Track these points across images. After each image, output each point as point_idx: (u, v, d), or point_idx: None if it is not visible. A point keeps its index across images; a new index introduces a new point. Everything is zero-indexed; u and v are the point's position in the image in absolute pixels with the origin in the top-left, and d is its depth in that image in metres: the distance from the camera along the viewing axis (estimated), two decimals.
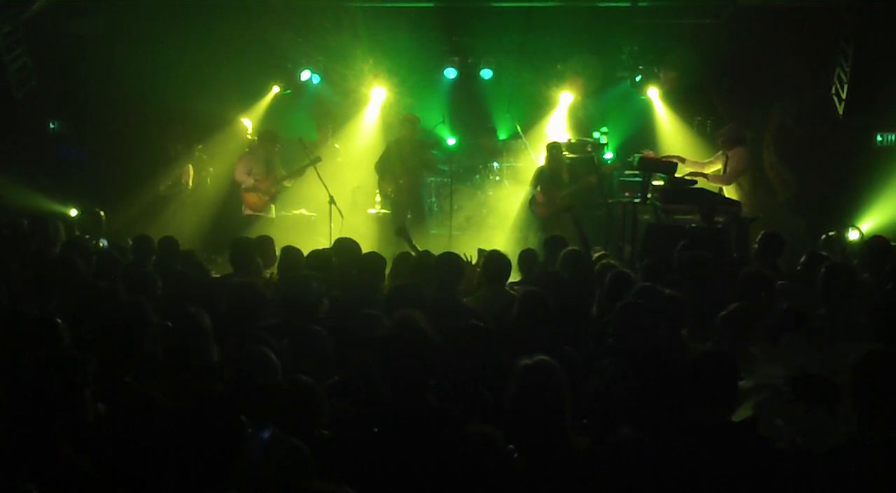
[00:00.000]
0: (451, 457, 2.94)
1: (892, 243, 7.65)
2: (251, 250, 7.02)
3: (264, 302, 5.24)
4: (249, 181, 11.45)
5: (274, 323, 5.15)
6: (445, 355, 3.82)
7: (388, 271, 6.86)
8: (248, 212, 11.50)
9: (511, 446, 3.02)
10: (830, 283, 5.62)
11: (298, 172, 11.45)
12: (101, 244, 8.53)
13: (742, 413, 3.60)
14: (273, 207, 11.71)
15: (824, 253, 7.35)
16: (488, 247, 7.47)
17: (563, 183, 11.36)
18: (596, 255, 7.92)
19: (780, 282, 6.25)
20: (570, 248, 7.14)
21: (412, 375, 3.58)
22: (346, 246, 7.35)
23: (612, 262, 7.16)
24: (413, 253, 7.52)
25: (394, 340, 3.65)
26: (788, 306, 5.04)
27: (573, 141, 12.15)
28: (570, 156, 11.81)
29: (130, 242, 7.86)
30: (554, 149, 11.50)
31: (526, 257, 7.20)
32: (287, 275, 6.43)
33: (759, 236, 7.54)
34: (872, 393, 3.36)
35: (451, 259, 6.25)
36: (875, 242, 7.56)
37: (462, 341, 4.34)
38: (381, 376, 3.66)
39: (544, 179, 11.43)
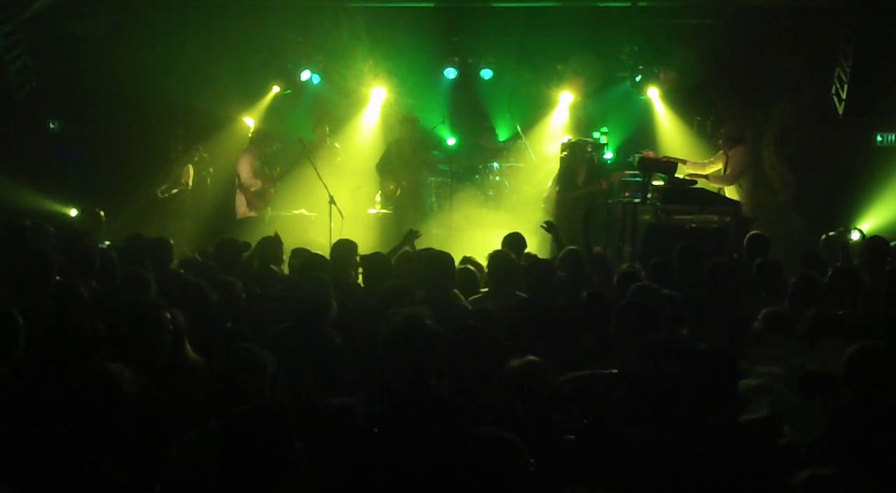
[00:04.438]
0: (463, 459, 2.87)
1: (892, 243, 7.64)
2: (238, 250, 7.03)
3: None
4: (258, 184, 11.47)
5: (288, 327, 5.13)
6: (450, 352, 3.78)
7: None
8: (250, 213, 11.49)
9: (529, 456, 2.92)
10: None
11: (289, 170, 11.52)
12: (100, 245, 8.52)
13: (753, 414, 3.60)
14: (269, 207, 11.73)
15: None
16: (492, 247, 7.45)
17: (576, 185, 11.35)
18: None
19: None
20: (569, 247, 7.13)
21: (417, 368, 3.54)
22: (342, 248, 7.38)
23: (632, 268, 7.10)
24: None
25: (399, 334, 3.61)
26: (817, 310, 5.03)
27: (573, 141, 12.15)
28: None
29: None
30: (574, 147, 11.48)
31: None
32: (297, 277, 6.39)
33: (748, 238, 7.58)
34: (867, 385, 3.46)
35: (443, 259, 6.21)
36: (873, 243, 7.54)
37: (459, 342, 4.33)
38: (389, 370, 3.62)
39: (559, 177, 11.46)
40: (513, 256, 6.75)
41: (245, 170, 11.52)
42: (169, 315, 4.24)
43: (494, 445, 2.88)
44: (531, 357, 3.70)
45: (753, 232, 7.87)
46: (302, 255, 7.17)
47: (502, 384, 3.71)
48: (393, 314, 3.84)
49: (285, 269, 7.40)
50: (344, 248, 7.09)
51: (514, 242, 7.54)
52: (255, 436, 2.93)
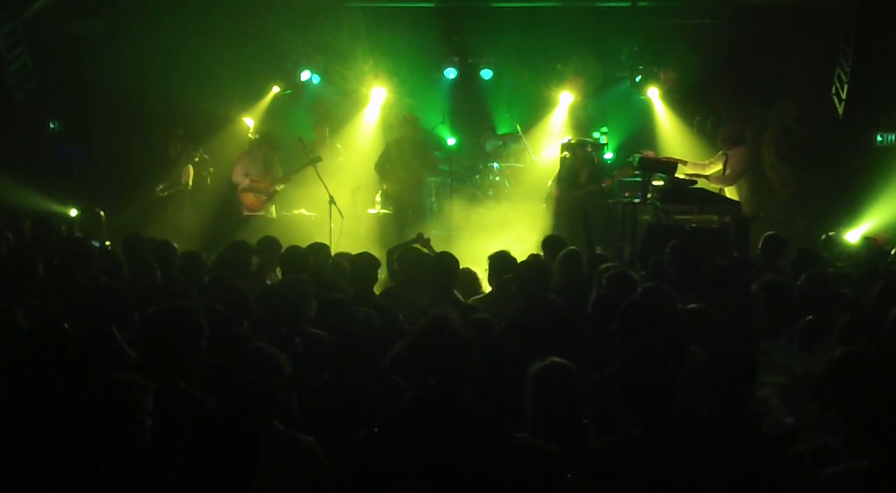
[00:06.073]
0: (497, 468, 2.85)
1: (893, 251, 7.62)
2: (247, 252, 6.99)
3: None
4: (245, 182, 11.45)
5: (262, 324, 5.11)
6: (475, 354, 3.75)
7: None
8: (246, 212, 11.52)
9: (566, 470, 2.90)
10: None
11: (295, 172, 11.50)
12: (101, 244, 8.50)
13: (776, 427, 3.57)
14: (273, 207, 11.73)
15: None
16: (492, 248, 7.42)
17: (578, 183, 11.34)
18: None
19: None
20: (569, 248, 7.11)
21: (444, 371, 3.52)
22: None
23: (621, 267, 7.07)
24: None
25: (427, 335, 3.59)
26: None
27: (574, 141, 12.14)
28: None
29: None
30: (575, 147, 11.47)
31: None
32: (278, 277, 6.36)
33: (763, 239, 7.53)
34: (848, 392, 3.43)
35: (446, 260, 6.18)
36: (868, 246, 7.54)
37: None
38: (414, 372, 3.59)
39: (561, 176, 11.48)
40: (512, 256, 6.72)
41: (235, 169, 11.52)
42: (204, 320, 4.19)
43: (532, 456, 2.87)
44: (555, 359, 3.66)
45: (770, 232, 7.80)
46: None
47: (526, 387, 3.65)
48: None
49: None
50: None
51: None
52: (218, 440, 2.88)
